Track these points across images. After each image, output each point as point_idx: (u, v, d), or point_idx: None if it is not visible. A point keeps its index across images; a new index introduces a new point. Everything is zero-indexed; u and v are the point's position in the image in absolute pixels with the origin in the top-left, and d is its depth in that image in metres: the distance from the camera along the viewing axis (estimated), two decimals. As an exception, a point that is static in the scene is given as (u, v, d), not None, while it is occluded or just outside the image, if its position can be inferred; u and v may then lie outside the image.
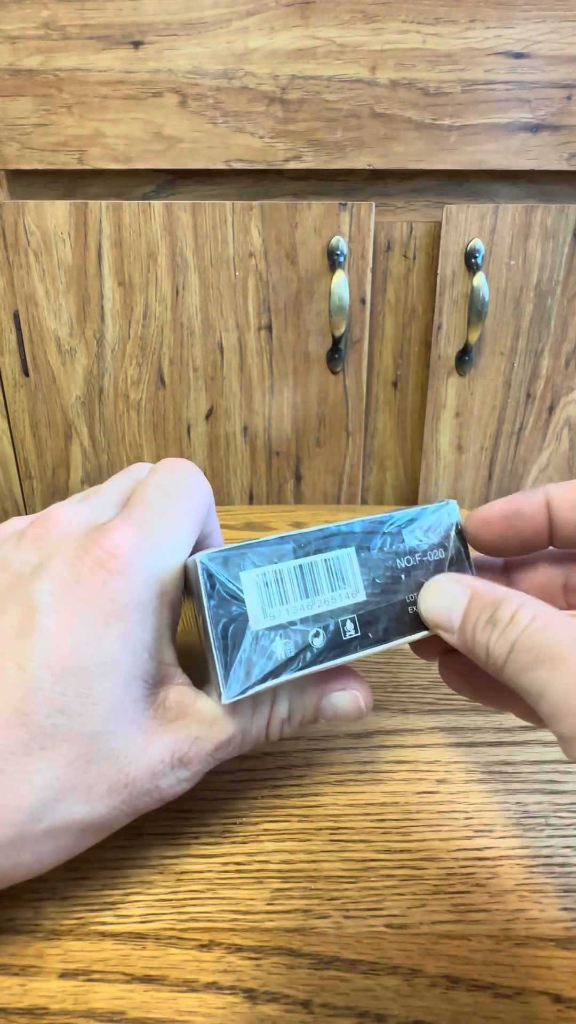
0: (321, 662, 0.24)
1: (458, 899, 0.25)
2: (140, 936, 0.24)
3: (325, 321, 0.65)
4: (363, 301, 0.65)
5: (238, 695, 0.22)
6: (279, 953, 0.23)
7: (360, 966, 0.23)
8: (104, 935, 0.24)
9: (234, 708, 0.23)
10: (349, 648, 0.24)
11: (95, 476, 0.70)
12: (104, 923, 0.24)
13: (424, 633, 0.25)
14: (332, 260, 0.63)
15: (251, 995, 0.22)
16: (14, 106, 0.60)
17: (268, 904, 0.24)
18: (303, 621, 0.24)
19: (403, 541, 0.26)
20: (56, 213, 0.62)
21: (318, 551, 0.24)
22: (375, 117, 0.59)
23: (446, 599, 0.24)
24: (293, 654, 0.23)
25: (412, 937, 0.24)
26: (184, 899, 0.25)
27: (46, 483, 0.72)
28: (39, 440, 0.70)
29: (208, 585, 0.22)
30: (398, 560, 0.26)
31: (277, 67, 0.58)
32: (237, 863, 0.26)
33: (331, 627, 0.24)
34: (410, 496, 0.74)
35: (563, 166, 0.61)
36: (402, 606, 0.25)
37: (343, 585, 0.25)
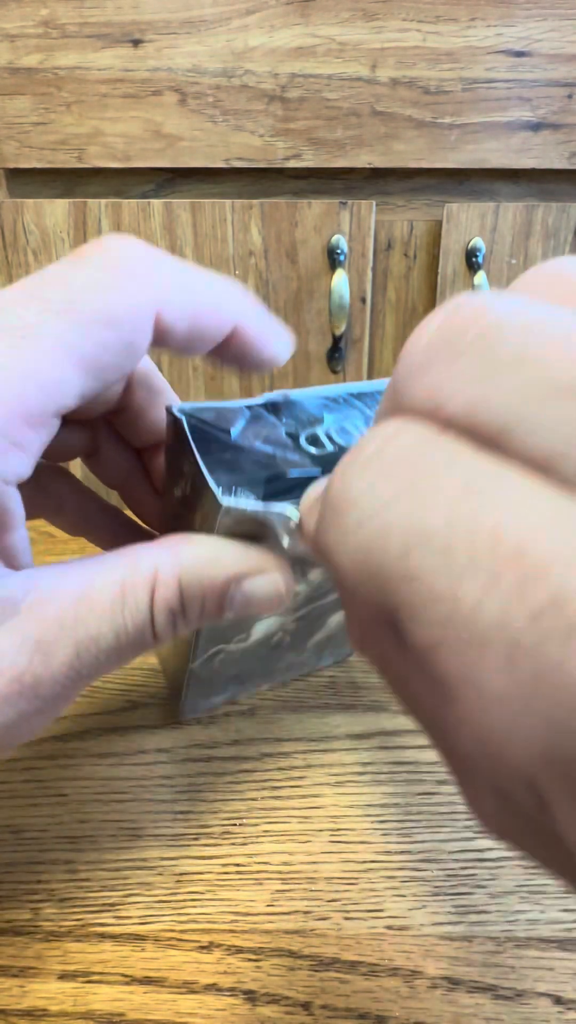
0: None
1: (459, 900, 0.25)
2: (139, 937, 0.23)
3: (325, 320, 0.65)
4: (363, 300, 0.65)
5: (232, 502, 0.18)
6: (279, 955, 0.23)
7: (360, 968, 0.23)
8: (103, 936, 0.23)
9: (102, 594, 0.17)
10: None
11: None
12: (103, 924, 0.24)
13: None
14: (332, 259, 0.63)
15: (251, 997, 0.22)
16: (13, 104, 0.59)
17: (268, 906, 0.24)
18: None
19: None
20: (55, 212, 0.62)
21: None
22: (375, 115, 0.59)
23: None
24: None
25: (413, 939, 0.24)
26: (183, 900, 0.25)
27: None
28: (39, 439, 0.70)
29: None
30: None
31: (277, 65, 0.57)
32: (237, 864, 0.26)
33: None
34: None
35: (564, 165, 0.61)
36: None
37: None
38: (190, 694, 0.28)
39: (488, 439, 0.08)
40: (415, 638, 0.08)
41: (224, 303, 0.18)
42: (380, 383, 0.22)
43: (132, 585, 0.16)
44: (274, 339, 0.19)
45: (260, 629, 0.25)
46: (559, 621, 0.07)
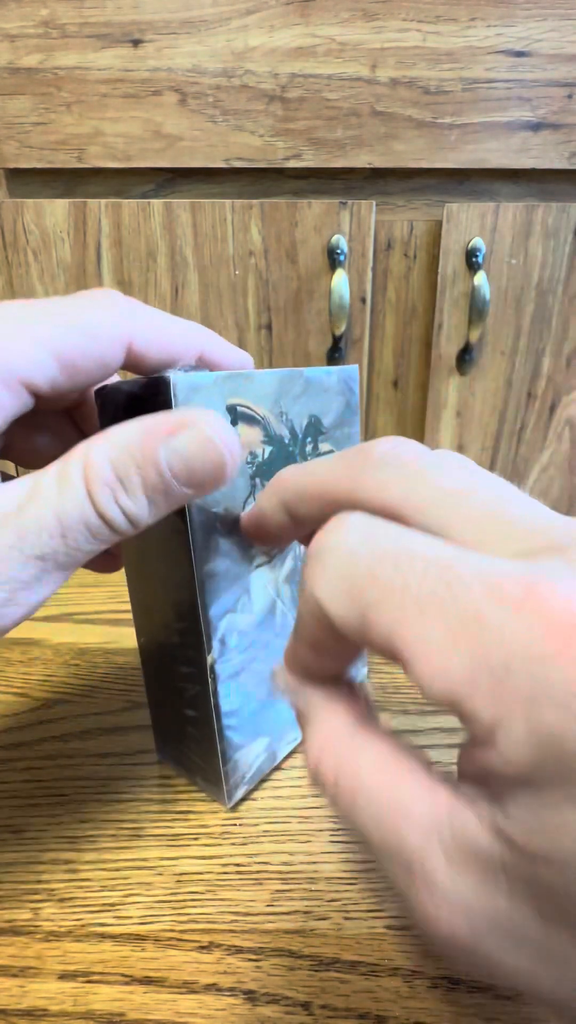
0: None
1: (459, 900, 0.25)
2: (139, 937, 0.23)
3: (325, 320, 0.65)
4: (363, 300, 0.65)
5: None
6: (279, 954, 0.23)
7: (360, 967, 0.23)
8: (103, 936, 0.23)
9: (42, 486, 0.18)
10: None
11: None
12: (103, 924, 0.24)
13: None
14: (332, 259, 0.63)
15: (251, 997, 0.22)
16: (13, 104, 0.59)
17: (268, 905, 0.24)
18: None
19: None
20: (55, 212, 0.62)
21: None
22: (375, 115, 0.59)
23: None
24: None
25: (413, 938, 0.24)
26: (184, 900, 0.24)
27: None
28: (39, 439, 0.70)
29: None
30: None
31: (277, 65, 0.57)
32: (237, 864, 0.26)
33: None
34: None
35: (564, 165, 0.61)
36: None
37: None
38: (225, 733, 0.26)
39: (396, 517, 0.16)
40: (378, 626, 0.13)
41: (188, 336, 0.21)
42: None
43: (66, 470, 0.18)
44: (234, 357, 0.23)
45: (258, 592, 0.25)
46: (459, 584, 0.12)
